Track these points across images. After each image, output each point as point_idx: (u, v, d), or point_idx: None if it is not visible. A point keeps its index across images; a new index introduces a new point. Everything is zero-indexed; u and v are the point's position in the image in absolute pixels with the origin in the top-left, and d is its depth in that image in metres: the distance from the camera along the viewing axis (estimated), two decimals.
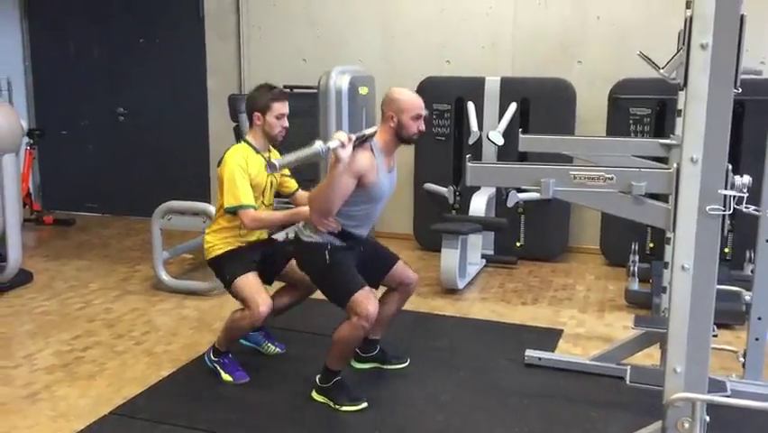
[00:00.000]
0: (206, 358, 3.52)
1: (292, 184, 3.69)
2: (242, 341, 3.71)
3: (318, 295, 3.26)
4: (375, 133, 3.10)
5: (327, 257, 3.07)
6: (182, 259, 5.46)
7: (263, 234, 3.59)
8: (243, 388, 3.37)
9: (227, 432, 2.97)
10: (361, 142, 2.99)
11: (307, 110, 5.80)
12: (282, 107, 3.42)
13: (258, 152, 3.44)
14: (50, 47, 7.27)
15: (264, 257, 3.50)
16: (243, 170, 3.32)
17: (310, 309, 3.82)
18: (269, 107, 3.39)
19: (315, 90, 5.38)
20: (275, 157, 3.53)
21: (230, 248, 3.44)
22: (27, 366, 3.63)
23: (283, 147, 3.55)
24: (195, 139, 6.89)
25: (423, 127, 3.11)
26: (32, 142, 6.83)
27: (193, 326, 4.21)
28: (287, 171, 3.64)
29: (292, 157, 2.79)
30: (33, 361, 3.70)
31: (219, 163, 3.44)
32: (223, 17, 6.64)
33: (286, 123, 3.45)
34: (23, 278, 4.98)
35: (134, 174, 7.17)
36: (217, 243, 3.46)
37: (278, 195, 3.66)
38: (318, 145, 2.73)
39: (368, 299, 3.01)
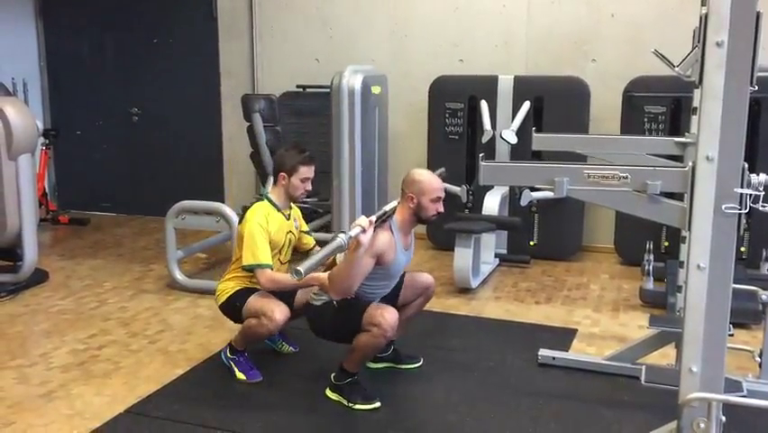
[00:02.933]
0: (223, 355, 3.54)
1: (310, 240, 3.73)
2: None
3: None
4: (395, 210, 3.15)
5: (335, 303, 3.12)
6: (196, 258, 5.48)
7: None
8: (257, 387, 3.39)
9: (241, 431, 2.98)
10: (382, 221, 3.03)
11: (320, 110, 5.83)
12: (308, 171, 3.48)
13: (279, 209, 3.48)
14: (65, 48, 7.32)
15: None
16: (263, 229, 3.35)
17: None
18: (295, 170, 3.44)
19: (328, 90, 5.38)
20: (296, 214, 3.63)
21: (241, 287, 3.45)
22: (43, 365, 3.66)
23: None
24: (208, 139, 6.91)
25: (441, 209, 3.15)
26: (47, 142, 6.89)
27: (207, 324, 4.23)
28: (304, 227, 3.70)
29: (316, 259, 2.68)
30: (49, 359, 3.73)
31: (240, 221, 3.50)
32: (236, 17, 6.66)
33: (309, 186, 3.51)
34: (39, 277, 5.02)
35: (148, 174, 7.21)
36: (228, 287, 3.47)
37: (295, 251, 3.67)
38: (341, 239, 2.70)
39: (383, 310, 3.03)
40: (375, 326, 3.00)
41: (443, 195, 3.16)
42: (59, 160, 7.49)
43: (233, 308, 3.44)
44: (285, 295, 3.45)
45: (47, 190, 7.11)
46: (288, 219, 3.54)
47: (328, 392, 3.23)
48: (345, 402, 3.16)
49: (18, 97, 6.33)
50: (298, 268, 2.59)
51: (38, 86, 7.33)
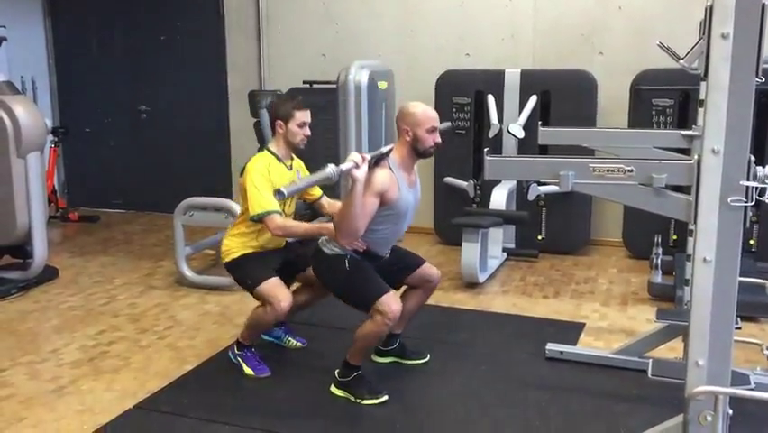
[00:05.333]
0: (230, 353, 3.55)
1: (316, 191, 3.69)
2: (263, 336, 3.74)
3: None
4: (391, 150, 3.11)
5: (347, 265, 3.10)
6: (204, 254, 5.50)
7: (281, 243, 3.56)
8: (265, 382, 3.40)
9: (249, 425, 2.99)
10: (378, 161, 3.00)
11: (327, 105, 5.83)
12: (304, 116, 3.44)
13: (280, 160, 3.46)
14: (74, 46, 7.35)
15: (284, 262, 3.51)
16: (266, 178, 3.33)
17: (331, 304, 3.83)
18: (291, 116, 3.41)
19: (335, 85, 5.39)
20: (298, 165, 3.59)
21: (247, 252, 3.45)
22: (54, 361, 3.69)
23: (305, 148, 3.56)
24: (216, 135, 6.94)
25: (438, 140, 3.11)
26: (56, 140, 6.93)
27: (215, 320, 4.25)
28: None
29: (302, 183, 2.74)
30: (60, 355, 3.76)
31: (241, 173, 3.44)
32: (242, 14, 6.68)
33: (308, 131, 3.47)
34: (49, 274, 5.05)
35: (157, 171, 7.24)
36: (234, 247, 3.46)
37: (306, 205, 3.65)
38: (330, 169, 2.68)
39: (391, 299, 3.03)
40: (380, 313, 2.99)
41: (438, 125, 3.09)
42: (68, 157, 7.53)
43: (239, 276, 3.46)
44: (297, 270, 3.52)
45: (56, 188, 7.16)
46: (291, 170, 3.50)
47: (333, 389, 3.23)
48: (352, 398, 3.17)
49: (27, 96, 6.37)
50: (281, 189, 2.63)
51: (47, 84, 7.37)
